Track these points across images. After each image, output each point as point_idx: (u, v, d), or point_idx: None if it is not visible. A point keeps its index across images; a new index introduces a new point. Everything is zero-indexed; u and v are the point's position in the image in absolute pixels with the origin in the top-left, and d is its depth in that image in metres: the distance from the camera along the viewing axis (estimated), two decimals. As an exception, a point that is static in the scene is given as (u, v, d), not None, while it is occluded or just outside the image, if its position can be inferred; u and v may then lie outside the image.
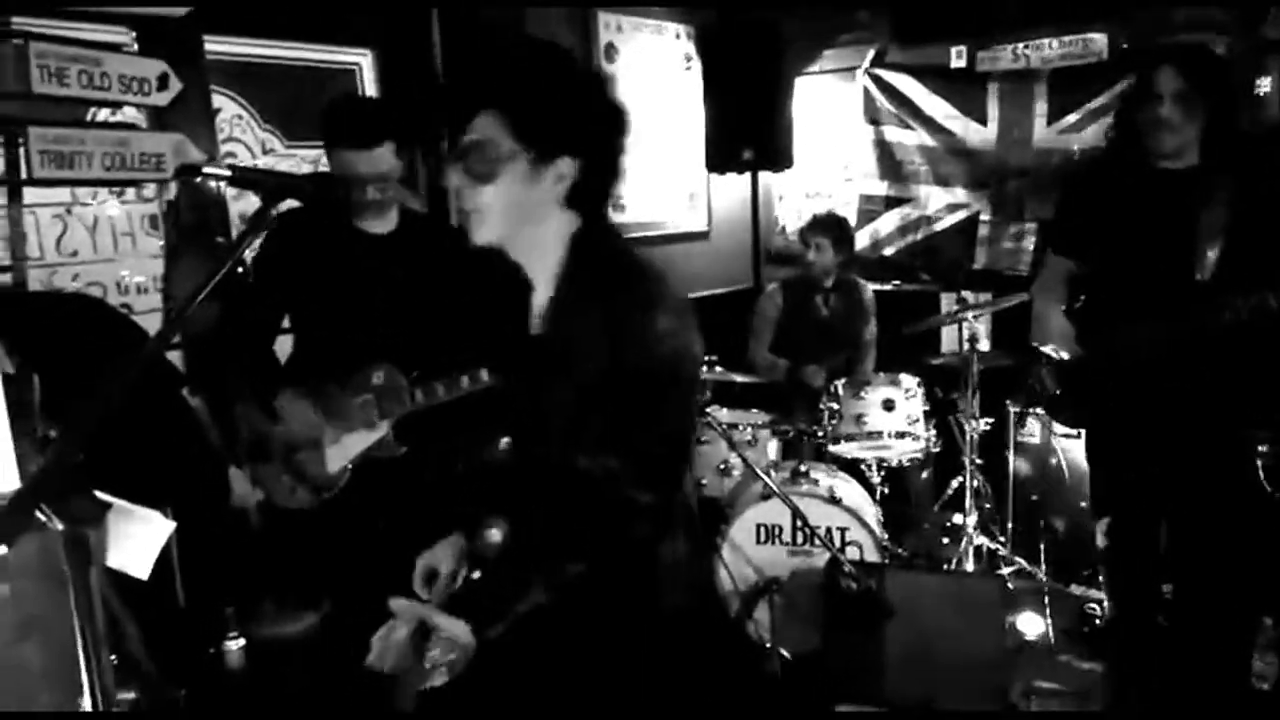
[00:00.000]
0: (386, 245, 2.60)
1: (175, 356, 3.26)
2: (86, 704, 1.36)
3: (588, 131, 1.48)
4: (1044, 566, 3.61)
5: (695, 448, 3.65)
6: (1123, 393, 2.59)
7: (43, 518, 1.22)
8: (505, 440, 1.66)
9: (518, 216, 1.48)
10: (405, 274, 2.56)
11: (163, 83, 2.97)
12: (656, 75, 4.93)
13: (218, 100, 3.49)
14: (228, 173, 1.51)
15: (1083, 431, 2.98)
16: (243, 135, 3.59)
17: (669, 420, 1.48)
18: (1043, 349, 2.75)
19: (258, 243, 2.62)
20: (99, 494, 1.85)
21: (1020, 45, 4.57)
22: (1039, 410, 2.92)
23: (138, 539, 1.89)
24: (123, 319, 3.09)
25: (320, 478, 2.56)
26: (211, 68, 3.45)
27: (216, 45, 3.47)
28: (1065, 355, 2.70)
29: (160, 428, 2.88)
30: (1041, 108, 4.55)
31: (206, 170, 1.59)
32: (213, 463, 3.13)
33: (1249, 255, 2.39)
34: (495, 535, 1.59)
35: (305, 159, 3.75)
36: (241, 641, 2.95)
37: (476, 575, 1.62)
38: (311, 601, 3.17)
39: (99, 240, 3.23)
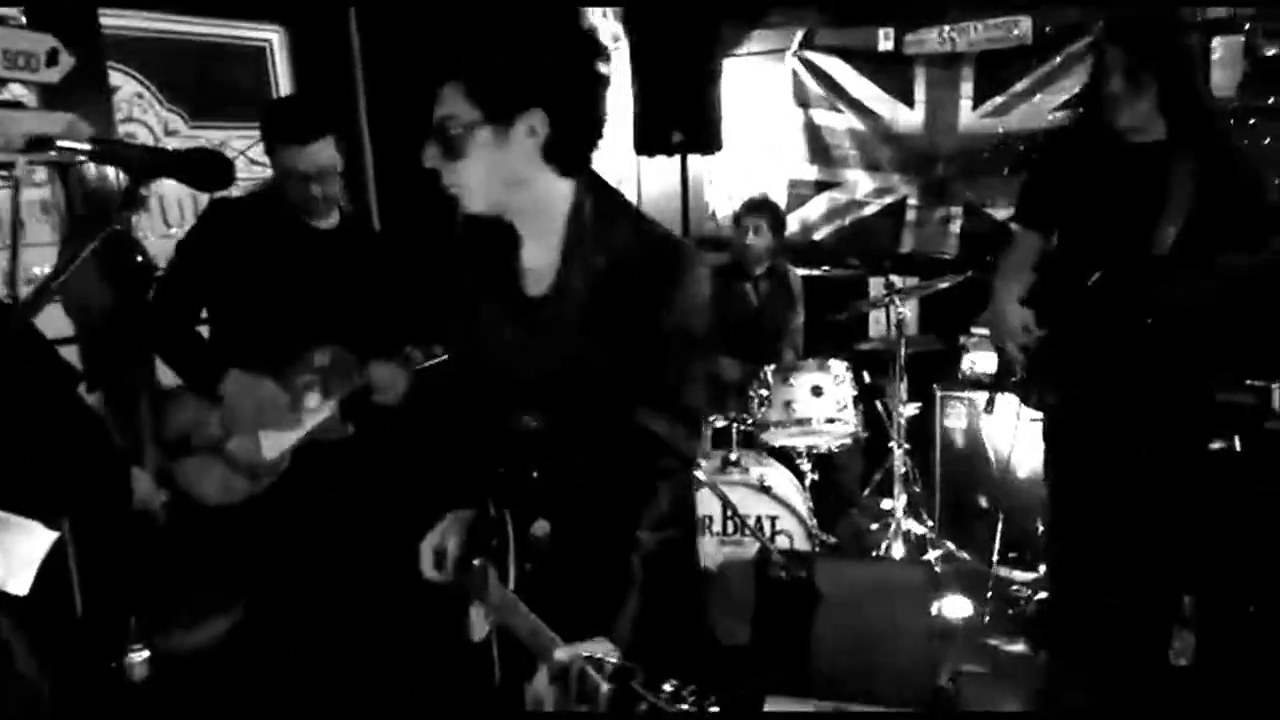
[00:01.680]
0: (331, 240, 2.56)
1: (71, 352, 3.07)
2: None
3: (546, 79, 1.38)
4: (971, 550, 3.64)
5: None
6: (1085, 370, 2.58)
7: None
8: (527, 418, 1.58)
9: (500, 182, 1.43)
10: (352, 269, 2.55)
11: (52, 58, 2.80)
12: (583, 55, 4.82)
13: (116, 78, 3.30)
14: (85, 146, 1.38)
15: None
16: (144, 115, 3.41)
17: (699, 377, 1.50)
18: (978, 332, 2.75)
19: (186, 227, 2.57)
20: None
21: (947, 28, 4.57)
22: (1002, 393, 2.91)
23: (16, 552, 1.77)
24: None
25: (259, 465, 2.47)
26: (109, 43, 3.26)
27: (114, 19, 3.28)
28: (1018, 341, 2.69)
29: (55, 427, 2.73)
30: (968, 90, 4.55)
31: (62, 144, 1.46)
32: (114, 463, 2.97)
33: (1206, 232, 2.40)
34: (544, 526, 1.55)
35: (211, 140, 3.57)
36: (146, 653, 2.81)
37: (528, 567, 1.56)
38: (224, 606, 3.03)
39: (-14, 227, 3.04)
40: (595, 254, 1.46)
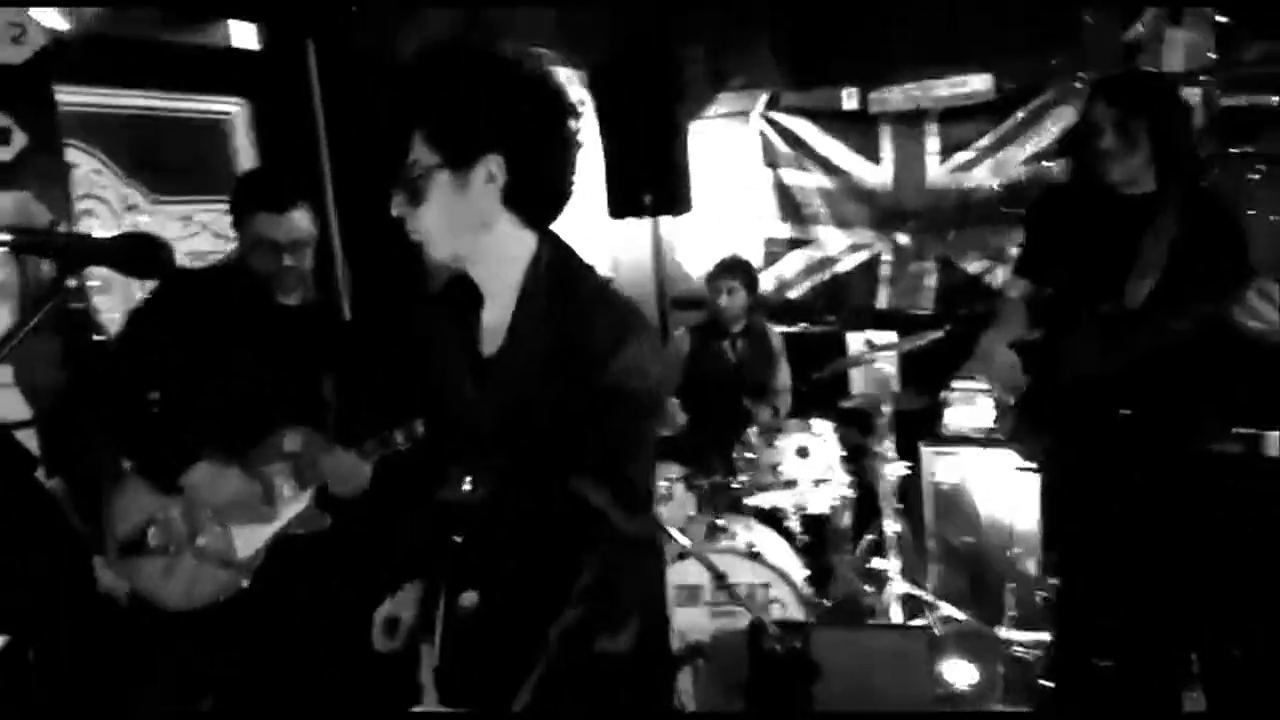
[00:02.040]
0: (299, 317, 2.43)
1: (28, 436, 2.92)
2: None
3: (503, 122, 1.37)
4: (972, 612, 3.55)
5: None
6: (1071, 421, 2.54)
7: None
8: (467, 480, 1.54)
9: (460, 228, 1.41)
10: (321, 347, 2.45)
11: (4, 137, 2.71)
12: (549, 121, 4.80)
13: (73, 155, 3.20)
14: (5, 237, 1.27)
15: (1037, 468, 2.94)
16: (102, 191, 3.30)
17: (641, 447, 1.44)
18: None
19: (136, 304, 2.44)
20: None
21: (910, 85, 4.62)
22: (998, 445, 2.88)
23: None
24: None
25: (234, 564, 2.32)
26: (65, 120, 3.17)
27: (70, 95, 3.19)
28: (1007, 383, 2.65)
29: (11, 515, 2.59)
30: (934, 146, 4.59)
31: None
32: (74, 552, 2.81)
33: (1179, 288, 2.36)
34: (472, 597, 1.52)
35: (171, 214, 3.47)
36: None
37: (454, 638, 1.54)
38: (194, 699, 2.86)
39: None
40: (544, 315, 1.43)
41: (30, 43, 2.67)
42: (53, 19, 2.98)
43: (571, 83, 4.93)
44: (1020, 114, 4.38)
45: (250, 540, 2.34)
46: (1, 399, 2.92)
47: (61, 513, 2.78)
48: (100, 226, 3.26)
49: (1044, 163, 4.34)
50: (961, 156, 4.53)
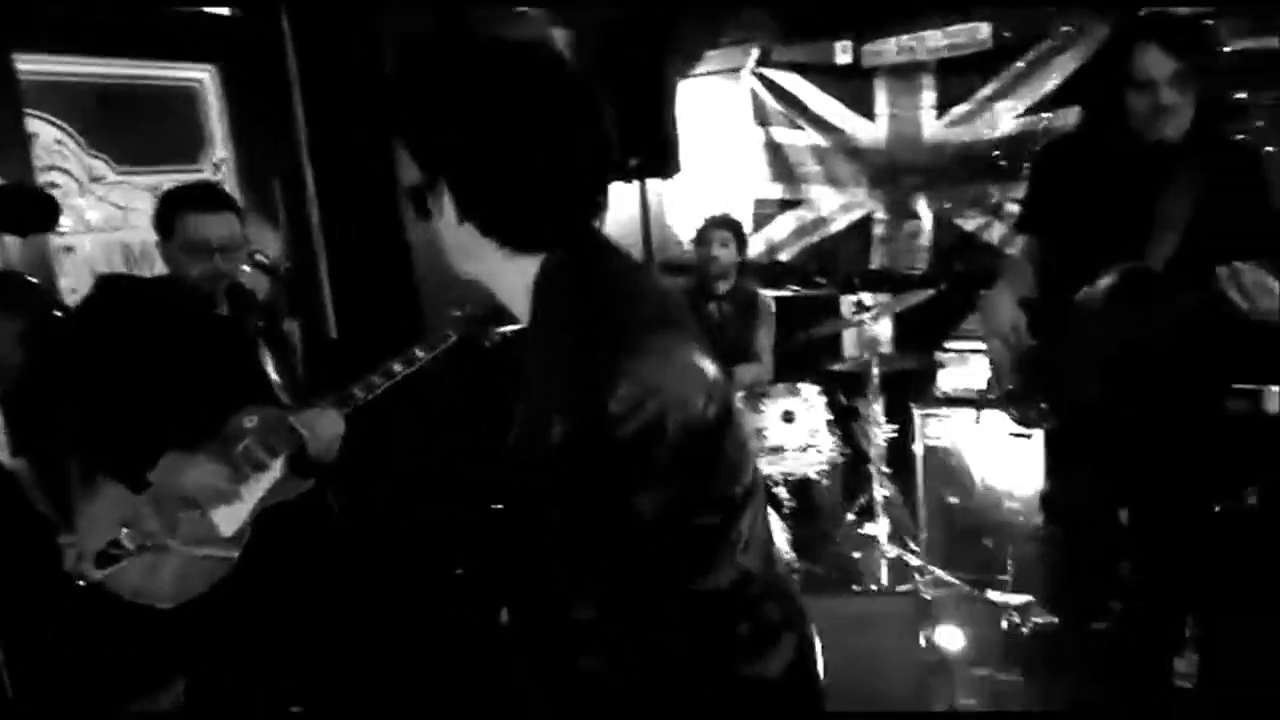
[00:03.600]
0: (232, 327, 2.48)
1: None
2: None
3: (458, 133, 1.11)
4: (961, 574, 3.48)
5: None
6: (1078, 384, 2.43)
7: None
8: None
9: (459, 251, 1.18)
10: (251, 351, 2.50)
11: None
12: (536, 83, 4.70)
13: (33, 125, 3.14)
14: None
15: (1031, 433, 2.90)
16: (65, 163, 3.24)
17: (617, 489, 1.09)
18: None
19: (72, 310, 2.51)
20: None
21: (905, 37, 4.47)
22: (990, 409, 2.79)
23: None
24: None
25: (218, 544, 2.33)
26: (25, 89, 3.11)
27: (30, 64, 3.12)
28: (1007, 341, 2.55)
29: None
30: (930, 99, 4.45)
31: None
32: (40, 533, 2.79)
33: (1204, 251, 2.18)
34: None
35: (138, 185, 3.41)
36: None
37: None
38: (164, 680, 2.84)
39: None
40: (535, 341, 1.20)
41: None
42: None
43: (559, 43, 4.82)
44: (1021, 63, 4.23)
45: (231, 519, 2.34)
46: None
47: (23, 493, 2.76)
48: (64, 198, 3.21)
49: (1047, 114, 4.20)
50: (959, 110, 4.39)
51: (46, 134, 3.19)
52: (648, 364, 1.08)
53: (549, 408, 1.11)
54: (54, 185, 3.18)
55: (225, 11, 3.72)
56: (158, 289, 2.46)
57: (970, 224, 4.40)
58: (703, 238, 4.02)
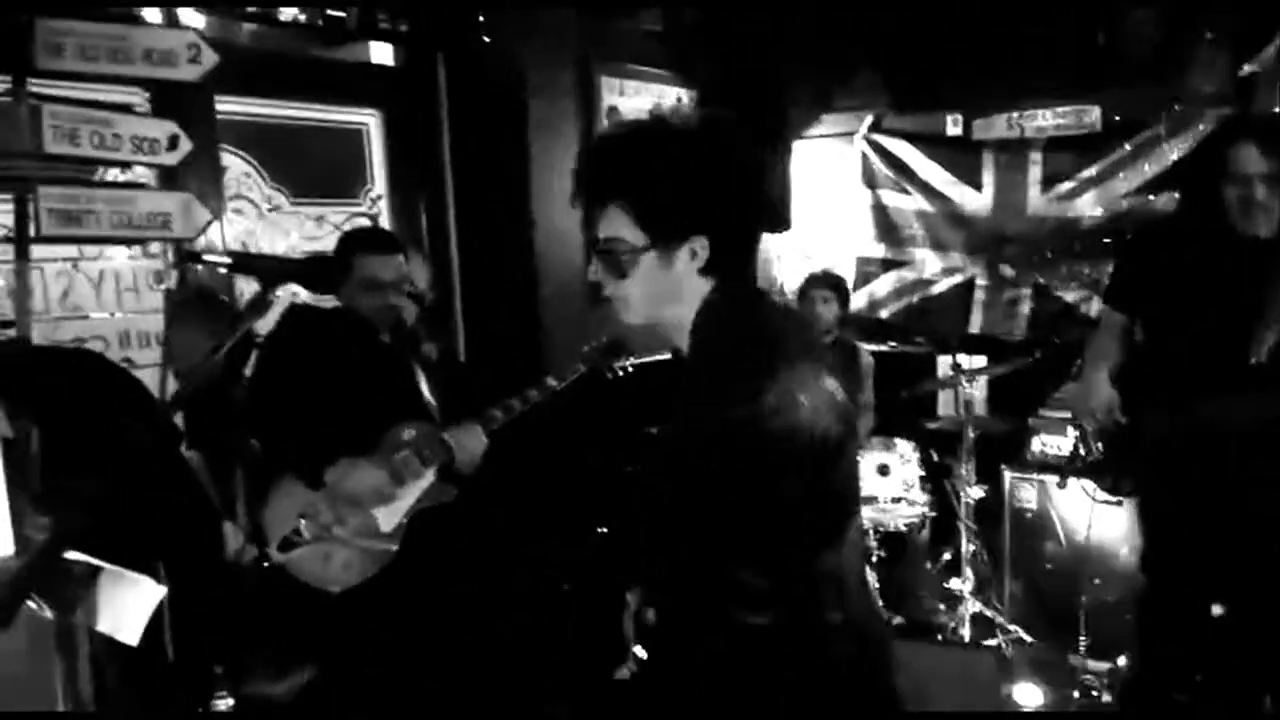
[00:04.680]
0: (395, 352, 2.81)
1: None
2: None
3: (713, 209, 1.43)
4: (1043, 636, 3.58)
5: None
6: (1169, 465, 2.53)
7: (34, 605, 1.22)
8: None
9: (659, 300, 1.47)
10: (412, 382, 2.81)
11: (173, 143, 3.00)
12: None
13: (226, 159, 3.54)
14: (227, 260, 1.54)
15: (1122, 500, 2.98)
16: (249, 192, 3.64)
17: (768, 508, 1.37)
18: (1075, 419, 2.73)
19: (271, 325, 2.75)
20: (89, 559, 1.85)
21: (1014, 114, 4.65)
22: (1076, 476, 2.91)
23: (128, 605, 1.89)
24: (123, 374, 3.09)
25: (381, 537, 2.63)
26: (222, 127, 3.51)
27: (227, 105, 3.53)
28: (1101, 421, 2.66)
29: (159, 485, 2.88)
30: (1036, 175, 4.62)
31: (207, 258, 1.62)
32: (209, 518, 3.12)
33: None
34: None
35: (309, 215, 3.80)
36: (230, 701, 2.91)
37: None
38: (300, 661, 3.13)
39: (103, 294, 3.27)
40: (690, 370, 1.48)
41: (205, 62, 2.98)
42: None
43: (680, 101, 5.11)
44: (1128, 146, 4.38)
45: (390, 517, 2.64)
46: (152, 376, 3.27)
47: (198, 482, 3.10)
48: (246, 224, 3.60)
49: (1149, 196, 4.33)
50: (1064, 186, 4.54)
51: (236, 166, 3.59)
52: (795, 377, 1.38)
53: (710, 405, 1.40)
54: (240, 211, 3.58)
55: (390, 61, 4.12)
56: (337, 318, 2.78)
57: (1070, 295, 4.53)
58: (805, 294, 4.16)
